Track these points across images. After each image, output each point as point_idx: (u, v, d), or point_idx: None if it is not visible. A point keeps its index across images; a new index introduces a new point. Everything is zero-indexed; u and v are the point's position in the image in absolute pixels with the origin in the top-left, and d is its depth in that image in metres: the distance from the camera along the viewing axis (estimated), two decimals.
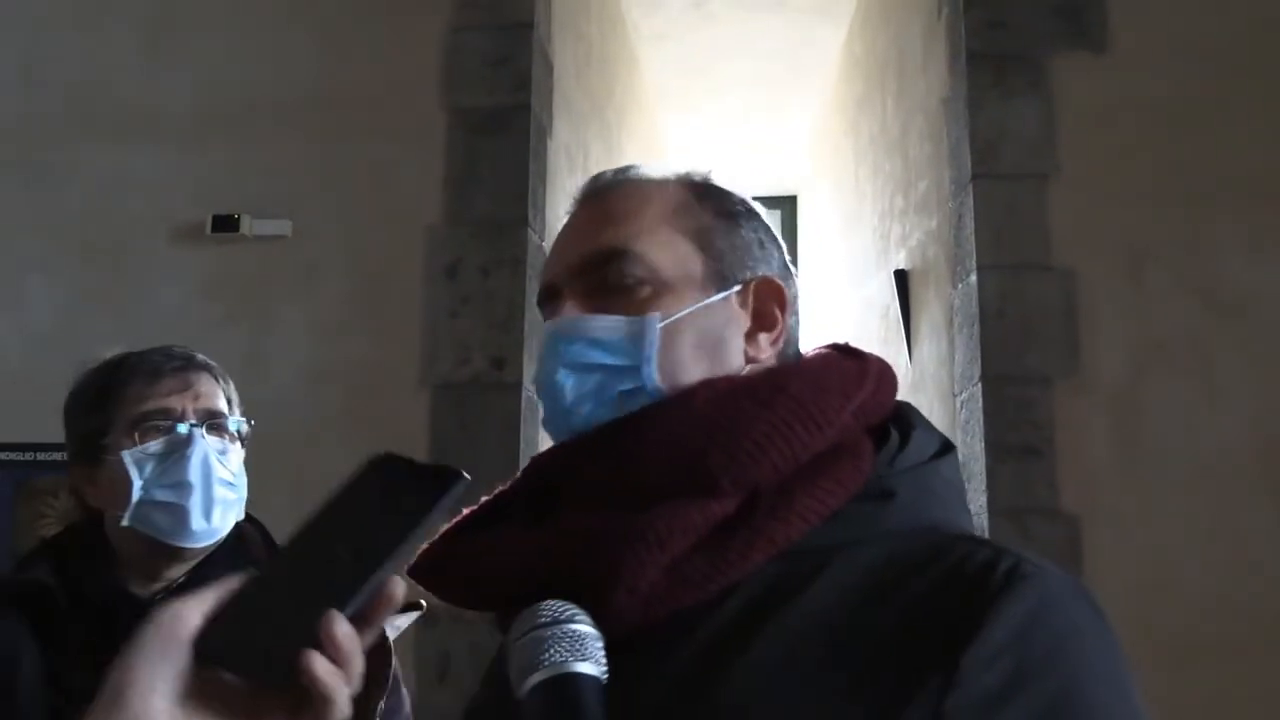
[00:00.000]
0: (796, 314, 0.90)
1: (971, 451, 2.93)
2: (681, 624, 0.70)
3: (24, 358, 3.09)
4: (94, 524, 1.51)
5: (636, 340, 0.80)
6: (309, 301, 3.08)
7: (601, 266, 0.83)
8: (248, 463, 1.56)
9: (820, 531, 0.75)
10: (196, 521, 1.44)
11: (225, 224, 3.08)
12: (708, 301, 0.83)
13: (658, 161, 0.93)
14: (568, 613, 0.62)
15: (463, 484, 0.64)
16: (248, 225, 3.08)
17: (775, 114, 6.04)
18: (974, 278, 2.96)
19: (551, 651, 0.60)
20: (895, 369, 0.88)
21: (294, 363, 3.03)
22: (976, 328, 2.94)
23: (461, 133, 3.11)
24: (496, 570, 0.74)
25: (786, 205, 6.97)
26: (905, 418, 0.84)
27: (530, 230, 3.06)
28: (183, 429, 1.46)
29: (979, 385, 2.90)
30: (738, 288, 0.85)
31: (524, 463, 3.30)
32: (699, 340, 0.82)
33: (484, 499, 0.85)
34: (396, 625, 1.54)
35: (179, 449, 1.46)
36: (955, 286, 3.14)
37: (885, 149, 4.30)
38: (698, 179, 0.90)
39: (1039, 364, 2.89)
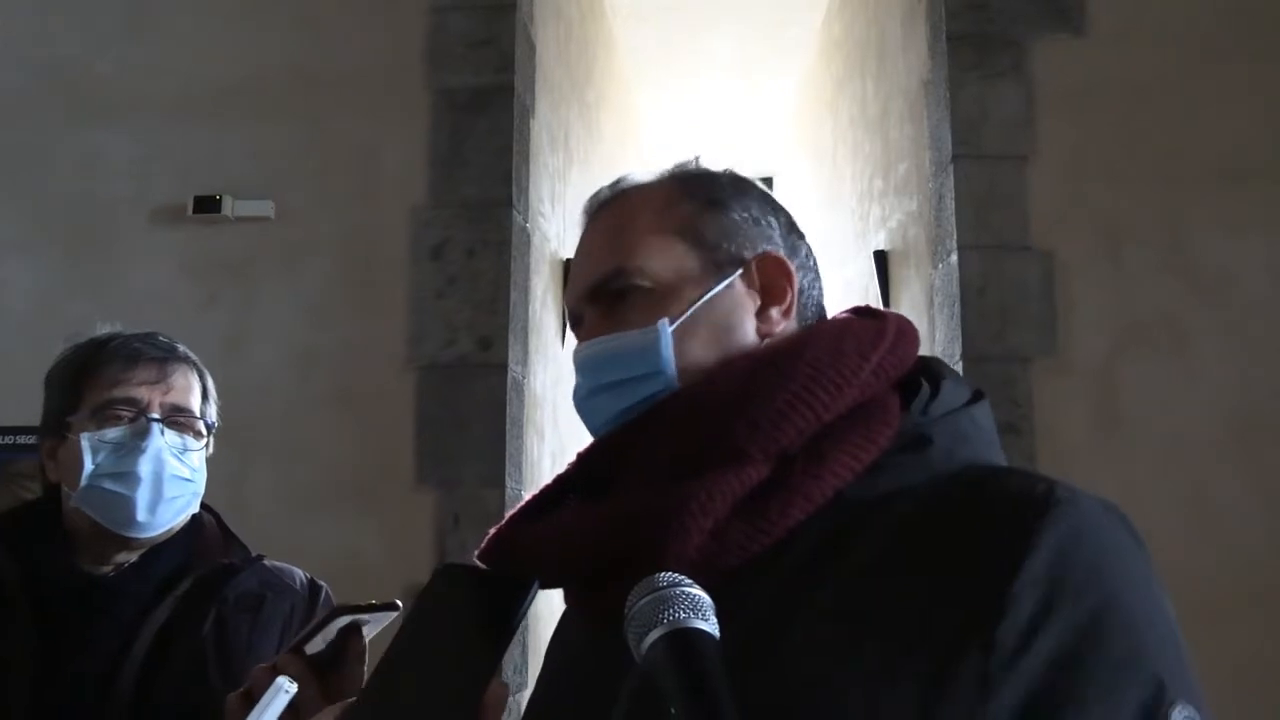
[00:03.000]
0: (812, 272, 0.94)
1: None
2: (737, 585, 0.73)
3: (2, 340, 3.07)
4: (53, 501, 1.52)
5: (652, 348, 0.86)
6: (293, 283, 3.06)
7: (608, 286, 0.89)
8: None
9: (865, 485, 0.78)
10: (140, 514, 1.45)
11: (207, 205, 3.06)
12: (711, 294, 0.88)
13: (649, 166, 0.97)
14: (682, 579, 0.65)
15: (536, 590, 0.70)
16: (230, 206, 3.07)
17: (752, 95, 6.04)
18: (954, 258, 2.99)
19: (671, 610, 0.62)
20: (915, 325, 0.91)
21: (278, 344, 3.02)
22: (957, 307, 2.97)
23: (445, 113, 3.10)
24: (559, 548, 0.79)
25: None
26: (934, 370, 0.87)
27: (515, 211, 3.06)
28: (142, 422, 1.46)
29: (959, 364, 2.93)
30: (739, 271, 0.89)
31: (510, 443, 3.28)
32: (711, 330, 0.87)
33: (544, 485, 0.91)
34: (376, 622, 1.56)
35: (134, 441, 1.45)
36: (936, 267, 3.16)
37: (865, 130, 4.31)
38: (682, 172, 0.94)
39: (1018, 343, 2.93)
